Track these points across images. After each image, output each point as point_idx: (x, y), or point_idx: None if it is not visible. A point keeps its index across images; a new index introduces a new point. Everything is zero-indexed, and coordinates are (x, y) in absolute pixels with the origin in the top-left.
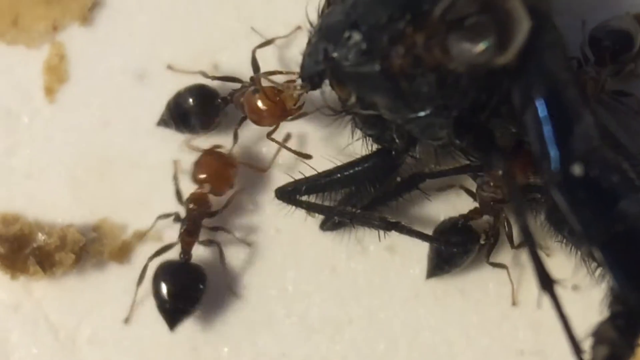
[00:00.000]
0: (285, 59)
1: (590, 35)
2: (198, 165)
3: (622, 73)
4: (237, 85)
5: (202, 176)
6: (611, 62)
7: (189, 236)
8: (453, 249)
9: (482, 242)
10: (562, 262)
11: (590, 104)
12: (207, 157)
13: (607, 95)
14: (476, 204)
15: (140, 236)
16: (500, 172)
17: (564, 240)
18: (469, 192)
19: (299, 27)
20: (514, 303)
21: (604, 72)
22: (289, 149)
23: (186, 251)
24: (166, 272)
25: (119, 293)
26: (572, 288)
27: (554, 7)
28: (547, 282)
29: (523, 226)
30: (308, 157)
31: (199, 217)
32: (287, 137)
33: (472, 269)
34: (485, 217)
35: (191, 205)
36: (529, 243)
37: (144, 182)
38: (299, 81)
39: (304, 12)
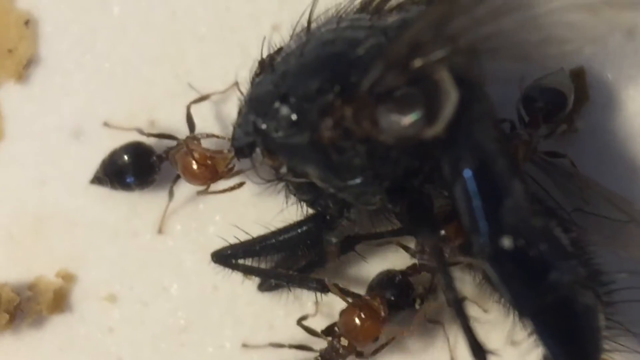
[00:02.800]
0: (222, 115)
1: (524, 95)
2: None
3: (556, 133)
4: (174, 143)
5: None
6: (544, 122)
7: None
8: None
9: (417, 305)
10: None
11: (520, 172)
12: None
13: (540, 156)
14: (414, 260)
15: (71, 279)
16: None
17: (502, 300)
18: (406, 248)
19: (235, 83)
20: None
21: (536, 134)
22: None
23: None
24: None
25: (55, 350)
26: (510, 344)
27: (490, 66)
28: (479, 352)
29: (452, 299)
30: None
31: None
32: (238, 185)
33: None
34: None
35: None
36: (459, 315)
37: (80, 239)
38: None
39: (242, 68)
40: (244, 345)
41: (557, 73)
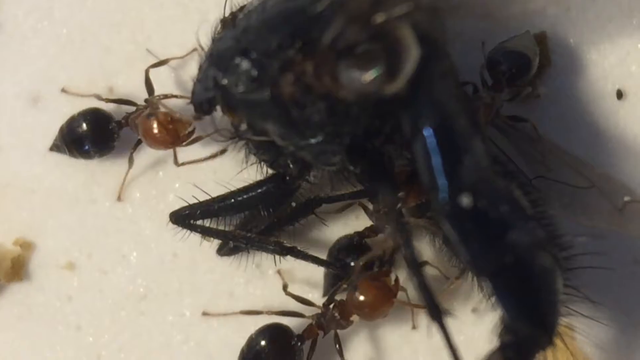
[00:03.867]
0: (181, 81)
1: (488, 57)
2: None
3: (520, 96)
4: (133, 108)
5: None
6: (508, 85)
7: None
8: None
9: (375, 268)
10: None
11: (482, 132)
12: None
13: (503, 120)
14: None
15: (29, 247)
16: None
17: (461, 265)
18: (365, 209)
19: (194, 49)
20: (414, 327)
21: (499, 97)
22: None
23: None
24: None
25: (13, 319)
26: (471, 311)
27: (454, 30)
28: (436, 313)
29: (409, 258)
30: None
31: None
32: (220, 153)
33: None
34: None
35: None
36: (416, 275)
37: (38, 207)
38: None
39: (201, 34)
40: (204, 314)
41: (522, 36)
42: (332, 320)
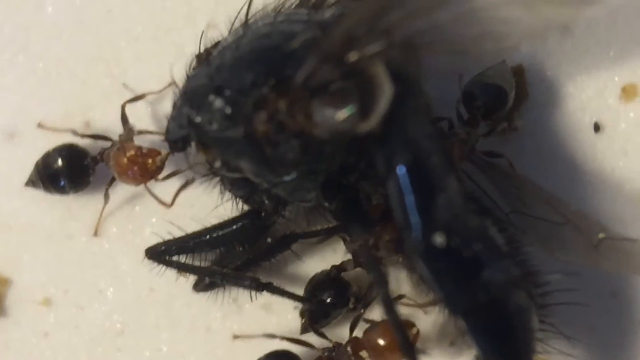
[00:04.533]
0: (158, 115)
1: (463, 91)
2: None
3: (495, 131)
4: (109, 144)
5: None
6: (484, 119)
7: None
8: (325, 306)
9: (351, 304)
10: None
11: (455, 170)
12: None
13: (478, 155)
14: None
15: (5, 283)
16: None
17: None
18: (346, 242)
19: (171, 83)
20: None
21: (474, 133)
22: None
23: None
24: None
25: None
26: (449, 344)
27: (429, 63)
28: (409, 351)
29: (383, 296)
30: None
31: None
32: (188, 183)
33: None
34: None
35: None
36: (389, 313)
37: (14, 242)
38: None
39: (178, 67)
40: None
41: (498, 66)
42: (343, 355)
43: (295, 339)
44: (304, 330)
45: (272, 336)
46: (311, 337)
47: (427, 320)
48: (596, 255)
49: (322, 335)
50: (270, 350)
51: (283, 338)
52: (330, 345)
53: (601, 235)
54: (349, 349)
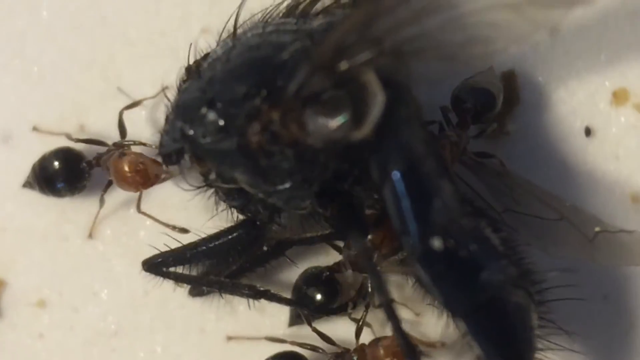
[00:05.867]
0: (152, 119)
1: (452, 95)
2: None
3: (486, 133)
4: (104, 148)
5: None
6: (473, 122)
7: None
8: (316, 305)
9: (349, 308)
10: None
11: (449, 173)
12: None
13: (470, 157)
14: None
15: (1, 284)
16: (356, 251)
17: (435, 303)
18: (337, 248)
19: (166, 87)
20: None
21: (465, 135)
22: (163, 223)
23: None
24: None
25: None
26: (441, 345)
27: (418, 69)
28: (412, 354)
29: (382, 301)
30: (184, 231)
31: None
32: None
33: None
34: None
35: None
36: (390, 317)
37: (10, 244)
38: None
39: (172, 71)
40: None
41: (485, 72)
42: None
43: (290, 341)
44: (292, 322)
45: (282, 341)
46: (309, 339)
47: (427, 321)
48: (591, 250)
49: (331, 342)
50: (266, 352)
51: (293, 343)
52: (338, 351)
53: (597, 229)
54: (355, 357)
